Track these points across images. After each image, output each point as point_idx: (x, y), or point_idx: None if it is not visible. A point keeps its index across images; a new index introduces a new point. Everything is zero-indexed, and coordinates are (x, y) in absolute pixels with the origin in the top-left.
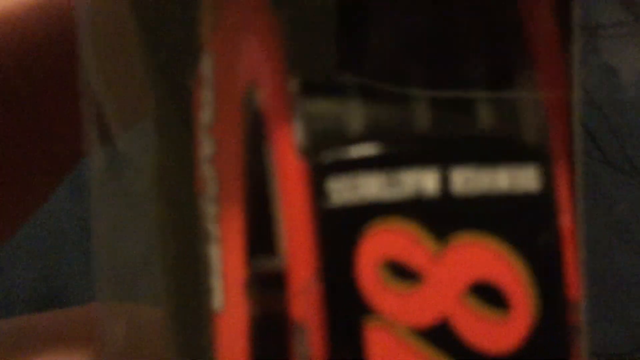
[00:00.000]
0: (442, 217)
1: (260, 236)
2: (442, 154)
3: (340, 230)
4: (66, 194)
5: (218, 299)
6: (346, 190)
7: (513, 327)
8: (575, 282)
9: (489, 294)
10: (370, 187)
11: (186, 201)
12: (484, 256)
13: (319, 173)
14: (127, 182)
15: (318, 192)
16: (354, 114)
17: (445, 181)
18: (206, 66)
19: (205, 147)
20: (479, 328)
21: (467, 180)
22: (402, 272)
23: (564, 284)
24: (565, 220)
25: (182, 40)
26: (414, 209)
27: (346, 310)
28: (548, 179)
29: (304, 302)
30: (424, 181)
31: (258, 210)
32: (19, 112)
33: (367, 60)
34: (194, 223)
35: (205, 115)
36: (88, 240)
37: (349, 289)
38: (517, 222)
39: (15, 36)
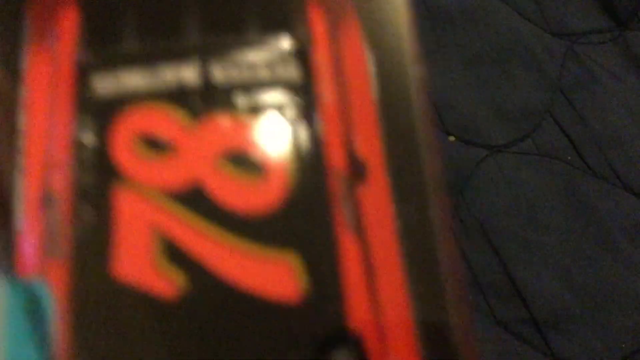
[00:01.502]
0: (199, 100)
1: None
2: (203, 49)
3: (97, 110)
4: None
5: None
6: (109, 83)
7: (267, 190)
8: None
9: (243, 162)
10: (132, 79)
11: None
12: (235, 128)
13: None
14: None
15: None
16: (129, 13)
17: (205, 73)
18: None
19: None
20: (232, 191)
21: (225, 69)
22: (154, 143)
23: (324, 153)
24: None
25: None
26: (172, 95)
27: (96, 177)
28: (306, 63)
29: (58, 177)
30: (185, 73)
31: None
32: None
33: None
34: None
35: None
36: None
37: (101, 159)
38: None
39: None
